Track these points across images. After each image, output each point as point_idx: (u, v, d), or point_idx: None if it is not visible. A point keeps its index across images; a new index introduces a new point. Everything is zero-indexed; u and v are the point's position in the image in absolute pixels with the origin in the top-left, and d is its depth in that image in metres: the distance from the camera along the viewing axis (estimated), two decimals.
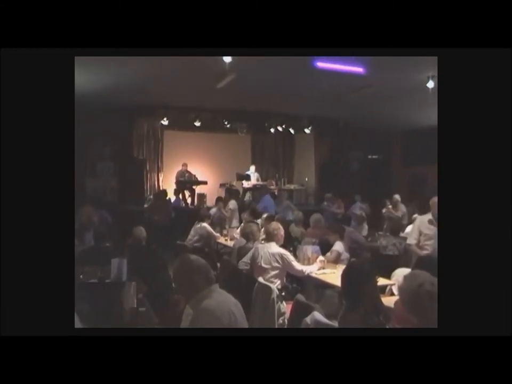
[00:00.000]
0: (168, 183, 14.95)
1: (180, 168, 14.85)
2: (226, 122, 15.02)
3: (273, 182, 15.36)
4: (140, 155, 15.27)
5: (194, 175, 14.71)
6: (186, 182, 14.37)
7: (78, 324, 2.75)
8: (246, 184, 15.28)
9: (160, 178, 15.85)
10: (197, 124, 14.43)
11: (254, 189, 15.08)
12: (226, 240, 9.13)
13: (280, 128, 15.65)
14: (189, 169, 14.90)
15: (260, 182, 15.41)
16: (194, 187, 14.63)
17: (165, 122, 14.50)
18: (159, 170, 15.81)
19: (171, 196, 13.52)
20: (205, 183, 14.56)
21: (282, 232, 5.79)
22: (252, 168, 15.54)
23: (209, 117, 14.63)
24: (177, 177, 14.64)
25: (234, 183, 14.84)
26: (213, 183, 14.91)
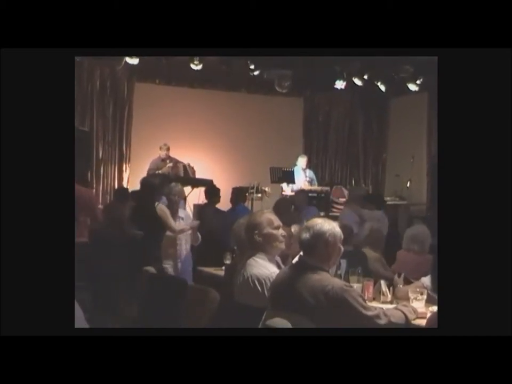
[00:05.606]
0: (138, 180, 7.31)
1: (156, 153, 8.83)
2: (253, 67, 8.05)
3: (344, 190, 9.04)
4: (87, 127, 9.04)
5: (187, 166, 8.77)
6: (168, 178, 7.42)
7: None
8: (288, 189, 8.81)
9: (125, 174, 9.42)
10: (196, 67, 7.86)
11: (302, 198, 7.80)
12: None
13: (358, 81, 8.38)
14: (176, 155, 8.92)
15: (316, 188, 9.00)
16: (185, 188, 7.17)
17: (133, 61, 7.72)
18: (123, 158, 9.46)
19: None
20: (209, 183, 7.86)
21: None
22: (302, 161, 9.10)
23: (218, 57, 7.68)
24: (150, 169, 8.55)
25: (267, 189, 8.48)
26: (224, 184, 7.61)
